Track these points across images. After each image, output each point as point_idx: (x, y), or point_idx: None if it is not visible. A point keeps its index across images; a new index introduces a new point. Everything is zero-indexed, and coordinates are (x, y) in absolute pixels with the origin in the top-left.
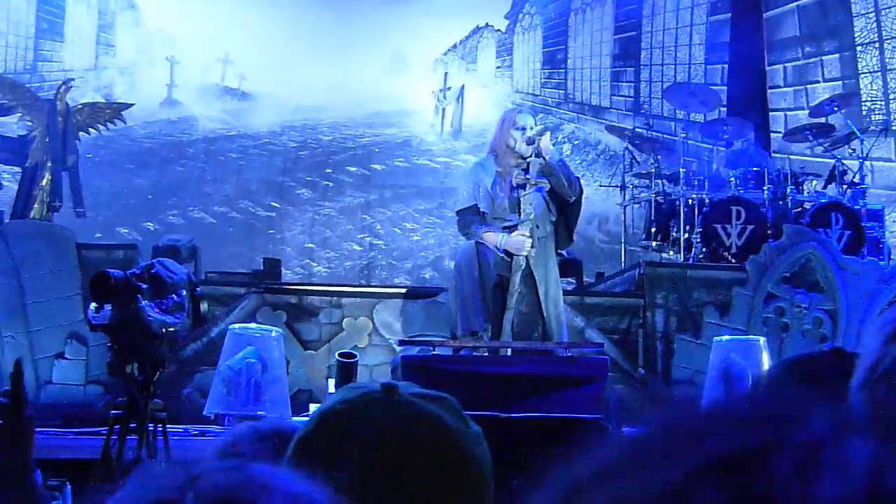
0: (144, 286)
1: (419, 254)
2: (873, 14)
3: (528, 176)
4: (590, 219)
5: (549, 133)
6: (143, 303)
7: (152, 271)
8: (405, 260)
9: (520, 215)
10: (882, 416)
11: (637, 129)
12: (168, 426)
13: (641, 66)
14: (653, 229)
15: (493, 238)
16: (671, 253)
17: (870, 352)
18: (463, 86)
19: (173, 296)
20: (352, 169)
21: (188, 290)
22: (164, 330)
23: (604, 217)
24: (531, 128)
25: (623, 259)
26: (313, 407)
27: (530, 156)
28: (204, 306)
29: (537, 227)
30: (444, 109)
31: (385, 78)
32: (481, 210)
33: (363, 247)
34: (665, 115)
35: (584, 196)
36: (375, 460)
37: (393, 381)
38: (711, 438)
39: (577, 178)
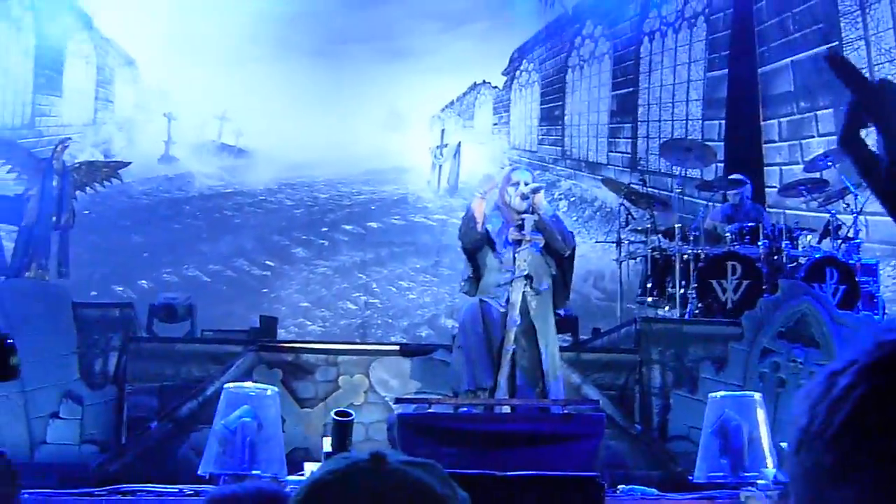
0: None
1: (415, 312)
2: (866, 69)
3: (522, 233)
4: (585, 276)
5: (543, 190)
6: None
7: None
8: (401, 318)
9: (515, 271)
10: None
11: (633, 185)
12: (163, 486)
13: (639, 122)
14: (648, 285)
15: (478, 203)
16: (667, 308)
17: (800, 416)
18: (459, 142)
19: None
20: (347, 227)
21: None
22: None
23: (599, 274)
24: (526, 183)
25: (619, 315)
26: (309, 466)
27: (524, 212)
28: (14, 359)
29: (530, 280)
30: (440, 166)
31: (382, 135)
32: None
33: (358, 305)
34: (662, 171)
35: (578, 252)
36: None
37: (381, 451)
38: None
39: (571, 233)
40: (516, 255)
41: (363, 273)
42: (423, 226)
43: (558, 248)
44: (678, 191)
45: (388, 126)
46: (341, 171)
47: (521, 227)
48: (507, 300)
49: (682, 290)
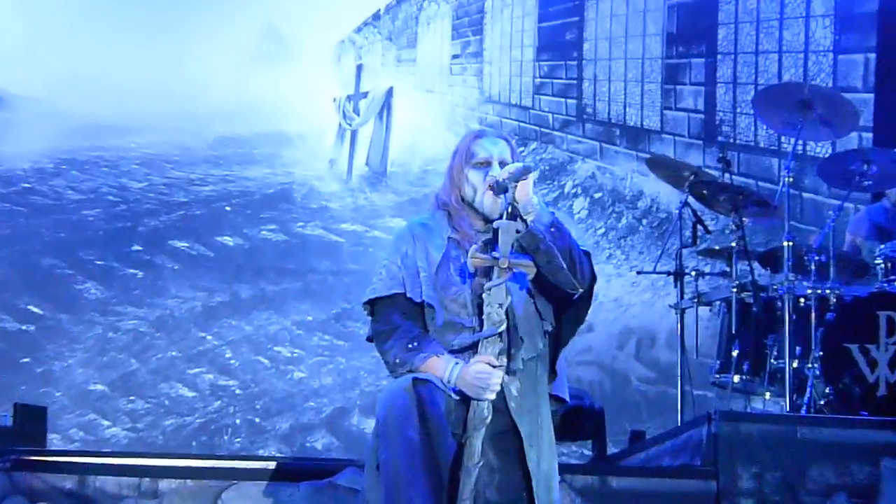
0: None
1: (304, 404)
2: None
3: (494, 254)
4: (620, 337)
5: (532, 176)
6: None
7: None
8: (277, 415)
9: (481, 325)
10: None
11: (705, 171)
12: None
13: (718, 56)
14: (734, 353)
15: (439, 368)
16: (767, 396)
17: None
18: (391, 89)
19: None
20: (180, 244)
21: None
22: None
23: (647, 334)
24: (502, 163)
25: (680, 408)
26: None
27: (499, 216)
28: None
29: (513, 341)
30: (354, 132)
31: (248, 76)
32: (420, 301)
33: (198, 391)
34: (758, 142)
35: (608, 293)
36: None
37: None
38: None
39: (587, 253)
40: (483, 294)
41: (207, 331)
42: (319, 243)
43: (561, 283)
44: (788, 179)
45: (259, 58)
46: (173, 142)
47: (490, 244)
48: None
49: (795, 364)
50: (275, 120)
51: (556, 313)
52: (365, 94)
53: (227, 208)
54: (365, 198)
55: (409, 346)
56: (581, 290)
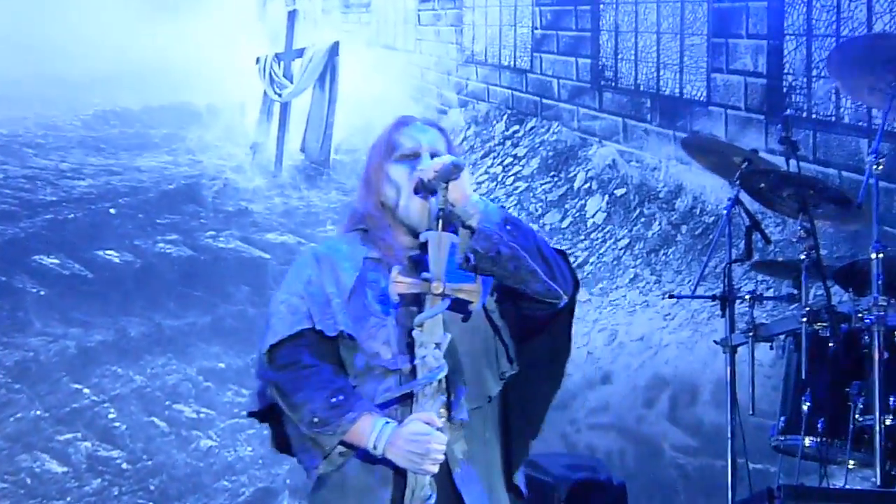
0: None
1: (215, 484)
2: None
3: (424, 275)
4: (649, 390)
5: (465, 173)
6: None
7: None
8: (179, 499)
9: (413, 369)
10: None
11: (763, 157)
12: None
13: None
14: (805, 406)
15: (364, 433)
16: (851, 465)
17: None
18: (335, 46)
19: None
20: (47, 261)
21: None
22: None
23: (685, 385)
24: (432, 155)
25: (730, 486)
26: None
27: (430, 225)
28: None
29: (448, 392)
30: (285, 106)
31: (139, 26)
32: (334, 336)
33: (71, 465)
34: (841, 117)
35: (630, 330)
36: None
37: None
38: None
39: (561, 252)
40: (414, 332)
41: (84, 382)
42: (236, 260)
43: (541, 293)
44: (877, 168)
45: (153, 7)
46: (36, 118)
47: (419, 263)
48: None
49: (888, 420)
50: (176, 88)
51: (521, 350)
52: (300, 53)
53: (112, 211)
54: (299, 197)
55: (333, 399)
56: (560, 300)
